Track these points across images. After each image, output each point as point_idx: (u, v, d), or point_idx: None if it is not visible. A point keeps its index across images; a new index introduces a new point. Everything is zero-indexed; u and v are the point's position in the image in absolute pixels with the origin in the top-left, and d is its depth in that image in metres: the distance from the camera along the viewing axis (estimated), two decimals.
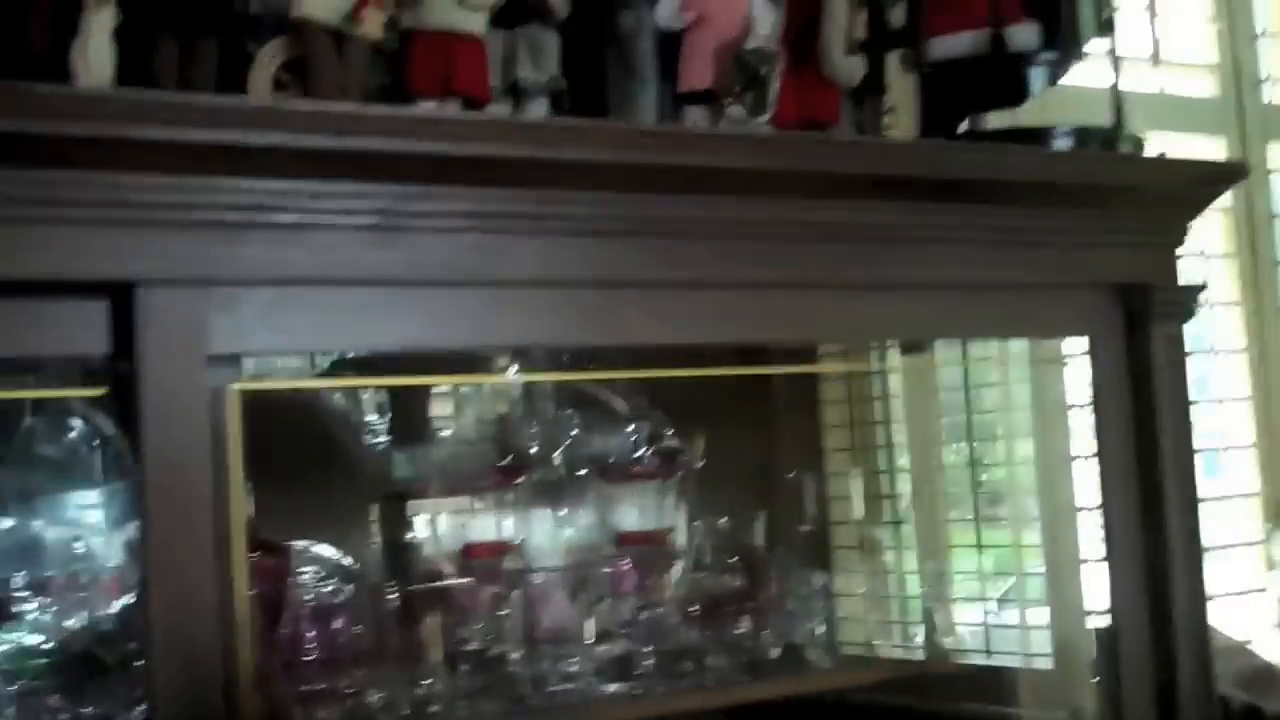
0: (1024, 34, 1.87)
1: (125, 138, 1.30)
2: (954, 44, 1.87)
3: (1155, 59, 2.04)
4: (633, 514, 2.12)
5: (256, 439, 1.44)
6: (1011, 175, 1.81)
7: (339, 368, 1.80)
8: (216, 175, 1.35)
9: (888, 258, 1.79)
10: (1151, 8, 2.26)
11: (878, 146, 1.84)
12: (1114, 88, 1.95)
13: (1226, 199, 2.17)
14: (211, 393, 1.38)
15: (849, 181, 1.72)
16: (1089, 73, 2.02)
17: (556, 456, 2.09)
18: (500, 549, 2.01)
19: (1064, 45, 1.91)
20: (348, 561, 1.90)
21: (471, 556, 1.98)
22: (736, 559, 2.23)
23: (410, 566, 1.98)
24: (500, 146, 1.49)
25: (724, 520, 2.24)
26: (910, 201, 1.77)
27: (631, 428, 2.15)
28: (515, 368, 2.00)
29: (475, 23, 1.58)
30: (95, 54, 1.41)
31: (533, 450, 2.06)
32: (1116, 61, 1.96)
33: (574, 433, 2.11)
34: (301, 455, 1.89)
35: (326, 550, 1.90)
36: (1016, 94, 1.93)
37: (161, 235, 1.35)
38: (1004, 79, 1.89)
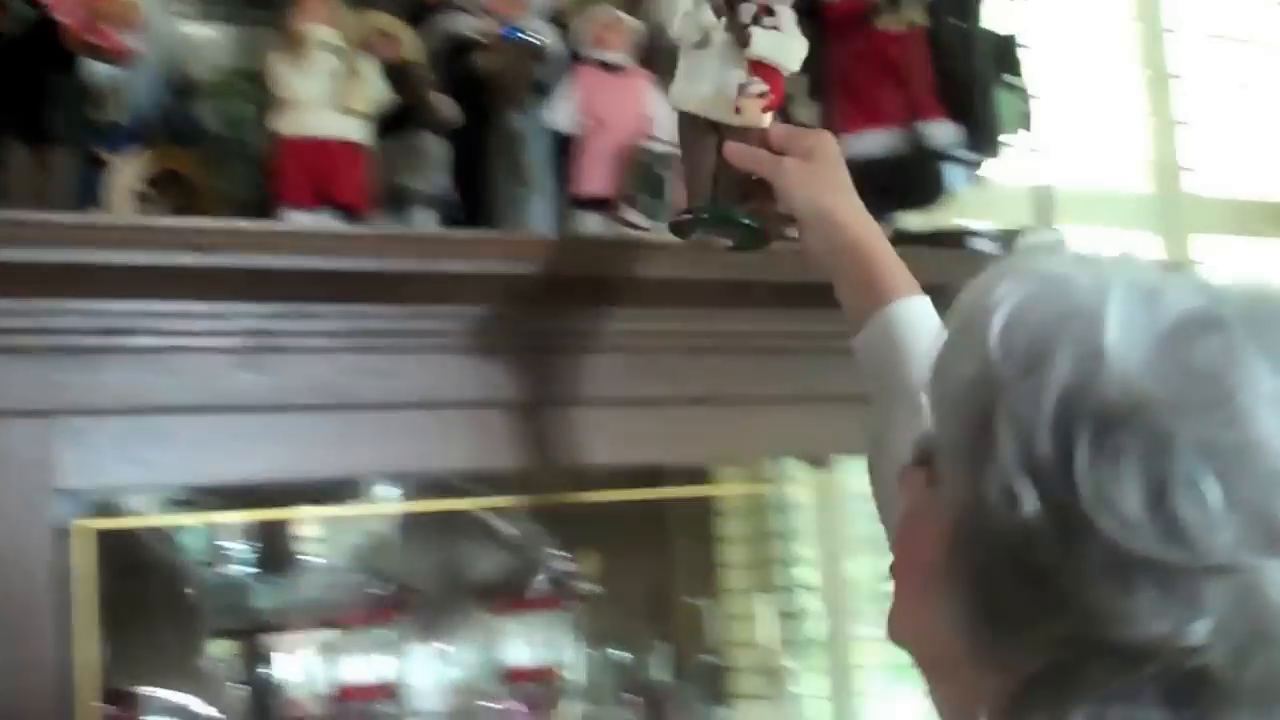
0: (940, 131, 1.91)
1: None
2: (870, 142, 1.89)
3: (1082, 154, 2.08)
4: (523, 649, 2.10)
5: (107, 578, 1.42)
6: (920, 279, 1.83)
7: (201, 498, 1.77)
8: (64, 297, 1.34)
9: (794, 369, 1.81)
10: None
11: (787, 252, 1.85)
12: (1038, 183, 1.99)
13: None
14: (56, 529, 1.36)
15: (753, 289, 1.73)
16: (1011, 169, 2.06)
17: (439, 588, 2.07)
18: (376, 691, 1.98)
19: (981, 142, 1.95)
20: (207, 710, 1.87)
21: (345, 699, 1.95)
22: (635, 694, 2.21)
23: (277, 712, 1.94)
24: (380, 260, 1.50)
25: (621, 652, 2.22)
26: (814, 309, 1.79)
27: (520, 555, 2.14)
28: (394, 492, 1.99)
29: (356, 129, 1.58)
30: None
31: (413, 581, 2.04)
32: (1037, 157, 2.00)
33: (458, 562, 2.09)
34: (156, 593, 1.85)
35: (183, 698, 1.86)
36: (933, 192, 1.96)
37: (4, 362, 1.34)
38: (920, 177, 1.92)
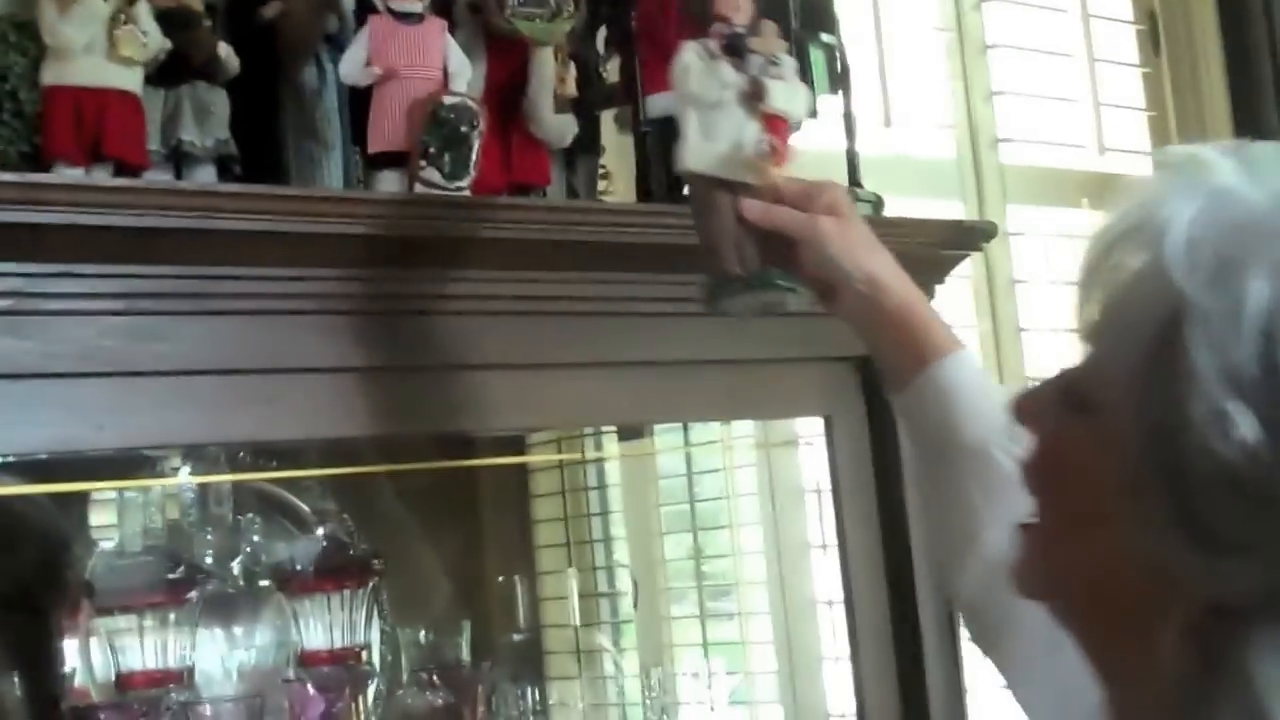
0: None
1: None
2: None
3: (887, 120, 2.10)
4: (319, 630, 2.03)
5: None
6: None
7: None
8: None
9: (604, 334, 1.77)
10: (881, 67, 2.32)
11: (593, 211, 1.81)
12: (849, 147, 1.98)
13: (965, 265, 2.22)
14: None
15: (562, 250, 1.69)
16: (823, 134, 2.03)
17: (230, 568, 2.00)
18: (164, 677, 1.88)
19: None
20: None
21: (130, 687, 1.87)
22: (439, 675, 2.15)
23: (55, 703, 1.87)
24: (157, 217, 1.42)
25: (424, 632, 2.17)
26: (627, 271, 1.75)
27: (317, 532, 2.07)
28: (182, 467, 1.91)
29: (129, 79, 1.50)
30: None
31: (202, 561, 1.96)
32: (850, 120, 1.98)
33: (251, 540, 2.01)
34: None
35: None
36: None
37: None
38: None
